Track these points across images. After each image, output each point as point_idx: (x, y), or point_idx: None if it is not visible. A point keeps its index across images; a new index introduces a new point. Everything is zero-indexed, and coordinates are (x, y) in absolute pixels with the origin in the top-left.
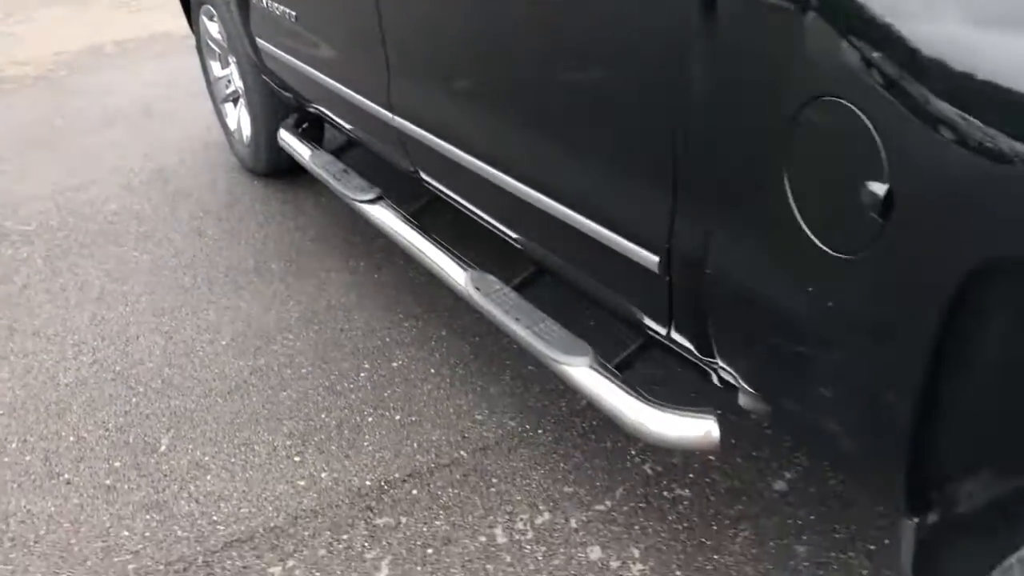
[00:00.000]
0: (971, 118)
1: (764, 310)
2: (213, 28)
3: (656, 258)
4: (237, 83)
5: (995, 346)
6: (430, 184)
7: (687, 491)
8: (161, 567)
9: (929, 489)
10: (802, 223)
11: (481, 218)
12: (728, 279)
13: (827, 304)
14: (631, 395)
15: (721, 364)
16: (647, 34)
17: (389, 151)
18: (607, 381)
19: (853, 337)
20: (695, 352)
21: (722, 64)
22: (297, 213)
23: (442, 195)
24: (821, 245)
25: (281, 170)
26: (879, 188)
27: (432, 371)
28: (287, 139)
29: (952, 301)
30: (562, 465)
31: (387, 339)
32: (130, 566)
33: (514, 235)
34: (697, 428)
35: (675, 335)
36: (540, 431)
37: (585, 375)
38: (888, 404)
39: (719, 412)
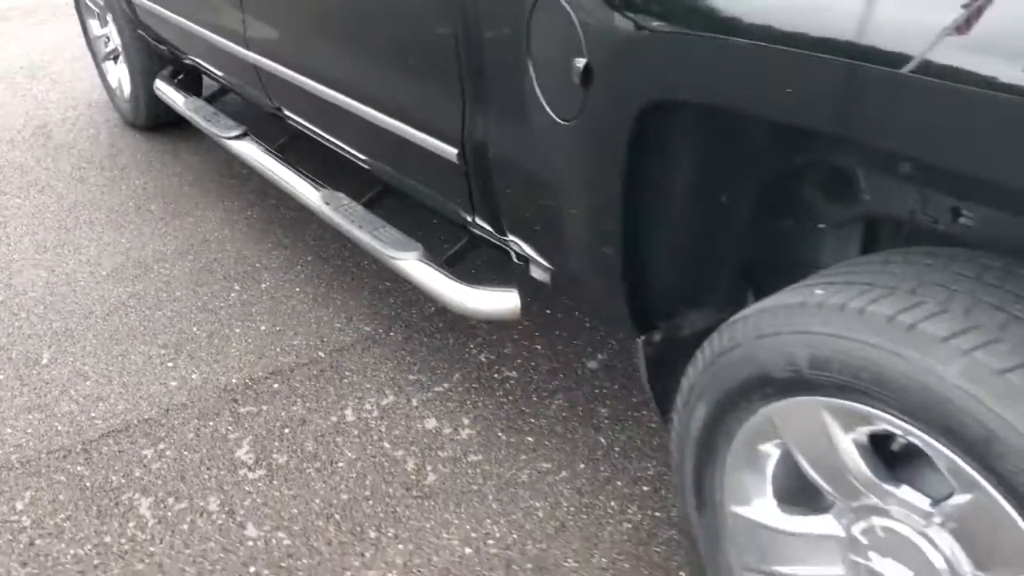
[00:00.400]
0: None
1: (528, 181)
2: None
3: (455, 150)
4: (115, 40)
5: (674, 188)
6: (290, 118)
7: (514, 373)
8: (43, 456)
9: (654, 318)
10: (543, 102)
11: (334, 143)
12: (503, 159)
13: (563, 165)
14: (451, 279)
15: (512, 239)
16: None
17: (252, 91)
18: (432, 270)
19: (580, 193)
20: (494, 233)
21: (479, 12)
22: (176, 161)
23: (301, 127)
24: (555, 116)
25: (161, 123)
26: (580, 62)
27: (297, 290)
28: (163, 88)
29: (632, 147)
30: (408, 359)
31: (257, 265)
32: (13, 456)
33: (359, 153)
34: (503, 300)
35: (478, 220)
36: (392, 333)
37: (414, 267)
38: (605, 248)
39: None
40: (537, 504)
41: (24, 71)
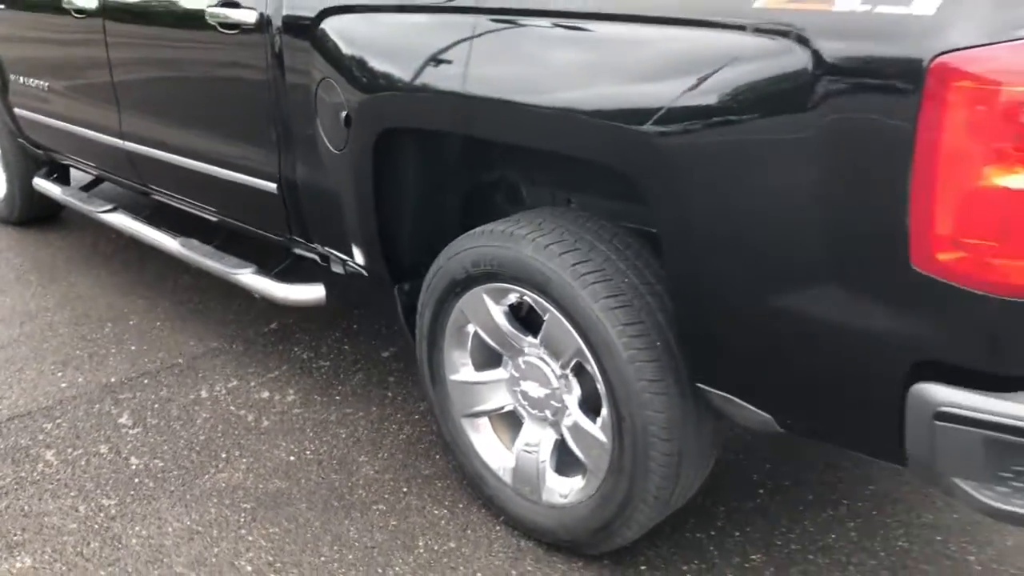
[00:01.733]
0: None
1: (321, 197)
2: None
3: (275, 185)
4: None
5: (406, 192)
6: (156, 191)
7: (327, 363)
8: None
9: (404, 275)
10: (325, 140)
11: (191, 204)
12: (305, 185)
13: (340, 181)
14: (275, 281)
15: (316, 244)
16: (255, 74)
17: (124, 174)
18: (262, 277)
19: (350, 198)
20: (305, 243)
21: (285, 82)
22: (48, 244)
23: (166, 197)
24: (332, 149)
25: (33, 217)
26: (343, 113)
27: (158, 323)
28: (42, 184)
29: (376, 163)
30: (247, 360)
31: (125, 310)
32: None
33: (211, 207)
34: (313, 291)
35: (294, 236)
36: (235, 345)
37: (249, 278)
38: (368, 233)
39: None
40: (341, 431)
41: None
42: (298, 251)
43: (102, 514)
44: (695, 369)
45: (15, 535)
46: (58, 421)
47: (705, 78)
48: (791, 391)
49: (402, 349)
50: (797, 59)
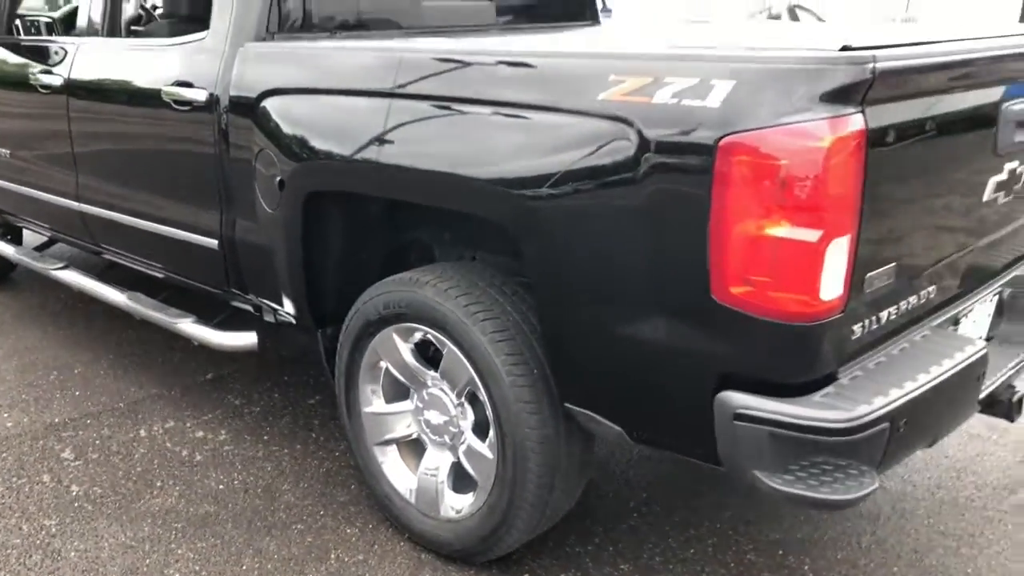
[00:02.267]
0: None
1: (256, 253)
2: None
3: (216, 241)
4: None
5: (331, 249)
6: (107, 250)
7: (258, 408)
8: None
9: (327, 321)
10: (262, 201)
11: (140, 261)
12: (243, 241)
13: (273, 238)
14: (212, 329)
15: (252, 296)
16: (203, 146)
17: (78, 234)
18: (200, 326)
19: (282, 253)
20: (242, 294)
21: (229, 152)
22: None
23: (116, 255)
24: (268, 208)
25: None
26: (278, 178)
27: (102, 372)
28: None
29: (304, 222)
30: (184, 404)
31: (70, 360)
32: None
33: (158, 263)
34: (247, 337)
35: (232, 288)
36: (173, 392)
37: (188, 326)
38: (296, 284)
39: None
40: (267, 465)
41: None
42: (235, 303)
43: (43, 532)
44: (562, 392)
45: None
46: (3, 455)
47: (562, 153)
48: (633, 405)
49: (327, 396)
50: (628, 141)
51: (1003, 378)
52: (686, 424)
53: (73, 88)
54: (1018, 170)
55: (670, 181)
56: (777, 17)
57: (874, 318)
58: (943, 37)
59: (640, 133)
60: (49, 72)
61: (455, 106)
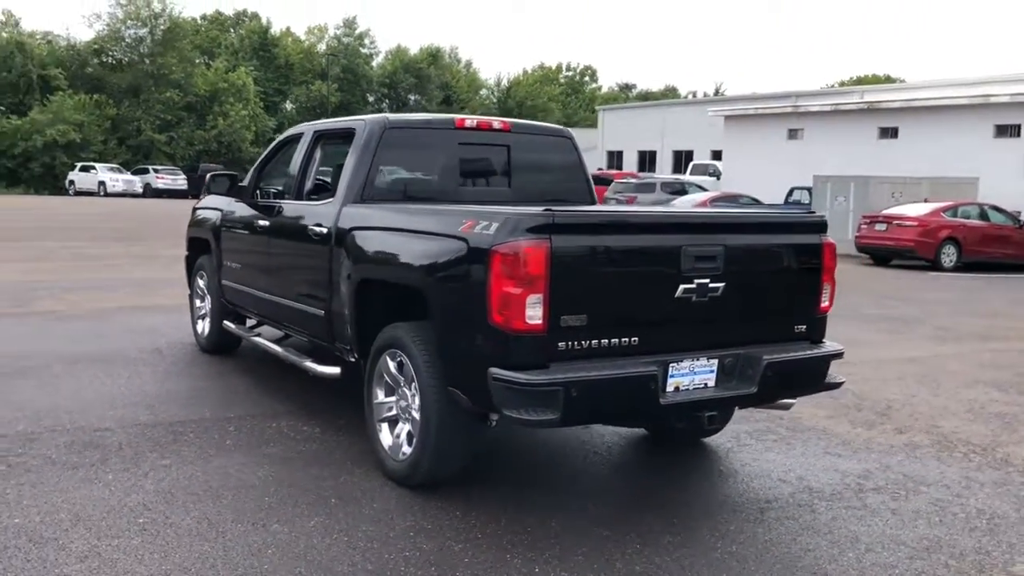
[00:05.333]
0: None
1: (339, 316)
2: (201, 283)
3: (323, 311)
4: (206, 306)
5: (367, 310)
6: (274, 322)
7: (302, 437)
8: None
9: (366, 353)
10: (342, 286)
11: (292, 329)
12: (336, 312)
13: (345, 306)
14: (325, 367)
15: (338, 344)
16: (323, 259)
17: (264, 312)
18: (318, 365)
19: (344, 314)
20: (337, 345)
21: (333, 263)
22: (222, 361)
23: (278, 326)
24: (344, 289)
25: (219, 349)
26: (348, 272)
27: (266, 391)
28: (230, 326)
29: (358, 296)
30: (260, 429)
31: (258, 388)
32: None
33: (296, 328)
34: (334, 369)
35: (336, 343)
36: (299, 405)
37: (313, 366)
38: (350, 333)
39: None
40: (330, 444)
41: (149, 331)
42: (335, 350)
43: (266, 462)
44: (447, 380)
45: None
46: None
47: (434, 254)
48: (471, 384)
49: (354, 418)
50: (465, 248)
51: (694, 401)
52: (485, 390)
53: (271, 227)
54: (703, 283)
55: (476, 267)
56: None
57: (575, 342)
58: (627, 211)
59: (467, 244)
60: (262, 219)
61: (402, 234)
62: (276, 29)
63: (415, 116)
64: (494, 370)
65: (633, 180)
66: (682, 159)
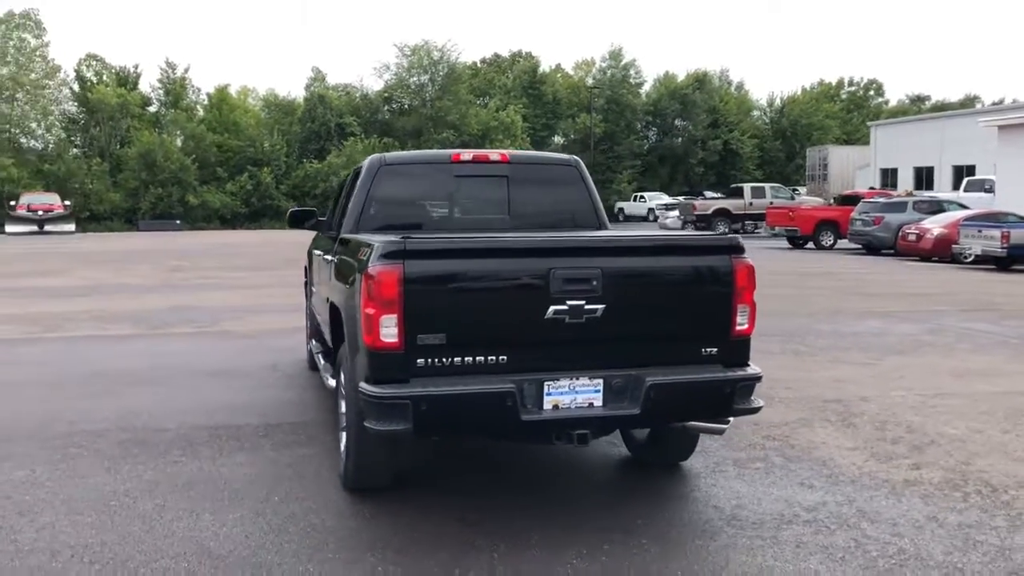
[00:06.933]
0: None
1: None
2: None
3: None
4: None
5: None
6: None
7: (291, 452)
8: None
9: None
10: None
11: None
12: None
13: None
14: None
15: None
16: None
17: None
18: (331, 379)
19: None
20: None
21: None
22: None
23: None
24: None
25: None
26: (328, 301)
27: (307, 403)
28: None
29: (330, 317)
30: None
31: (307, 400)
32: None
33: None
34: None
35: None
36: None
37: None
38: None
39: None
40: (315, 442)
41: (268, 348)
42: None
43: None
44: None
45: None
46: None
47: (344, 279)
48: (359, 396)
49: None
50: (357, 269)
51: (575, 419)
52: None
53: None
54: (576, 304)
55: (357, 287)
56: None
57: (435, 359)
58: (485, 238)
59: (356, 270)
60: (328, 251)
61: (342, 261)
62: (546, 66)
63: (413, 153)
64: (361, 384)
65: (881, 199)
66: (963, 175)
